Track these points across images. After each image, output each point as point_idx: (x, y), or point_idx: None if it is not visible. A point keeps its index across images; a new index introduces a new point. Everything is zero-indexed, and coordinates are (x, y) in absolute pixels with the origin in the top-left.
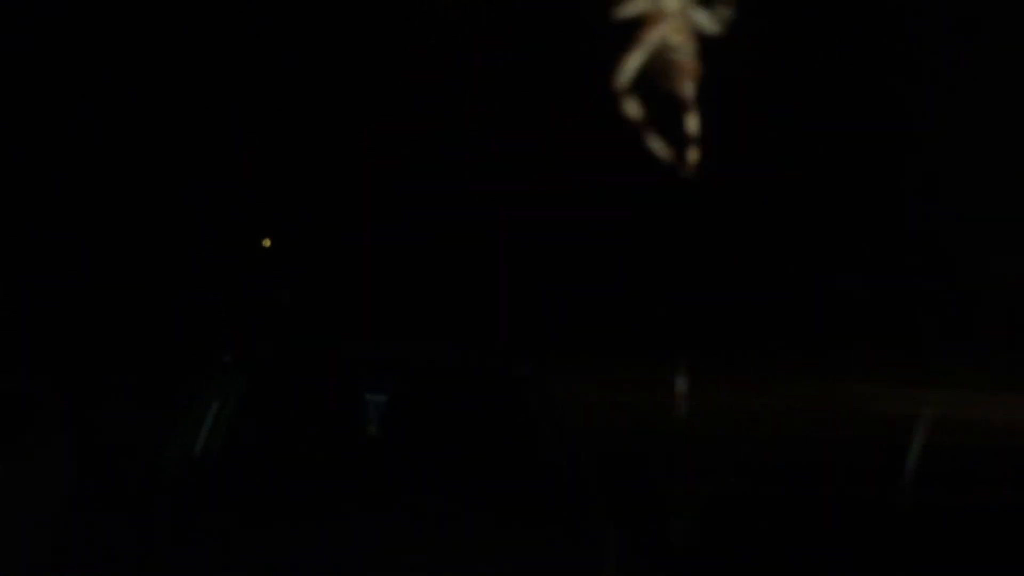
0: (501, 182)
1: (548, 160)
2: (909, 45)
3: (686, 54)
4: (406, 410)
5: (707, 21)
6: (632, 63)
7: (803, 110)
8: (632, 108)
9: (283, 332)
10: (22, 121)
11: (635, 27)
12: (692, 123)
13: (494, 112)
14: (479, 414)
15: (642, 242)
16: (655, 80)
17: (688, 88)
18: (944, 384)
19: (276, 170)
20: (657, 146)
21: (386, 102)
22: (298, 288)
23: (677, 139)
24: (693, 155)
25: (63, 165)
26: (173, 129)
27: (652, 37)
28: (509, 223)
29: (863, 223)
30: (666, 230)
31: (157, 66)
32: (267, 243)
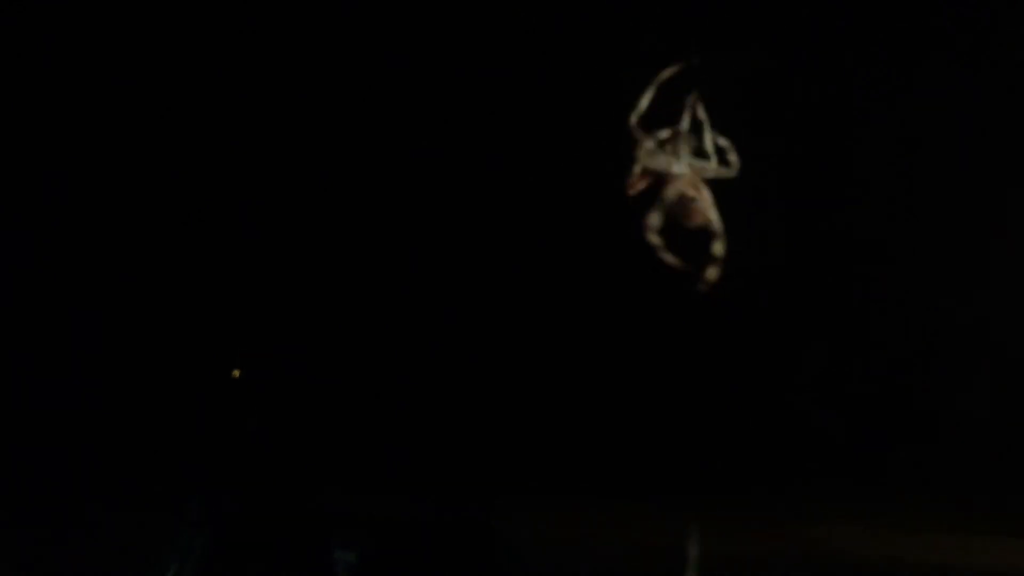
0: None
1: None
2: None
3: (702, 201)
4: (377, 569)
5: (718, 170)
6: (653, 220)
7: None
8: (655, 238)
9: (249, 471)
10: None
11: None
12: (719, 248)
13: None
14: (452, 570)
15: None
16: (678, 220)
17: (714, 220)
18: (916, 528)
19: (245, 300)
20: (676, 261)
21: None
22: (266, 416)
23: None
24: (713, 273)
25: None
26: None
27: (668, 195)
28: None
29: (828, 350)
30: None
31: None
32: (236, 374)
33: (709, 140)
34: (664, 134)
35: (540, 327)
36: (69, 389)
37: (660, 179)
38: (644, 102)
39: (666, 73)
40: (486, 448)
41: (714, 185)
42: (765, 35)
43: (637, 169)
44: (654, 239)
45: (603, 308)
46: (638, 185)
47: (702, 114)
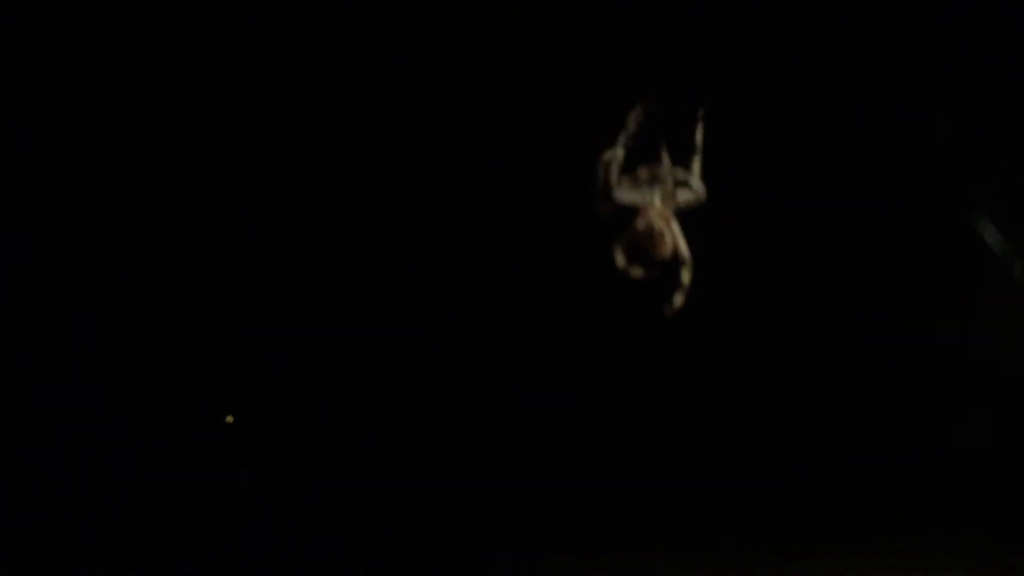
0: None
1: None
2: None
3: (671, 233)
4: None
5: (691, 196)
6: (621, 247)
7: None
8: (621, 260)
9: (238, 525)
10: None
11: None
12: (687, 276)
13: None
14: None
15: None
16: (647, 250)
17: (683, 251)
18: (911, 565)
19: (233, 346)
20: (643, 273)
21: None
22: (261, 467)
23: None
24: (679, 300)
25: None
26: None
27: (639, 225)
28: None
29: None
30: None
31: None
32: (230, 419)
33: (680, 173)
34: (641, 173)
35: (524, 372)
36: (57, 446)
37: (630, 210)
38: (619, 152)
39: (633, 118)
40: (474, 497)
41: (686, 213)
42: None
43: (608, 202)
44: (621, 261)
45: (588, 346)
46: (605, 210)
47: (666, 155)
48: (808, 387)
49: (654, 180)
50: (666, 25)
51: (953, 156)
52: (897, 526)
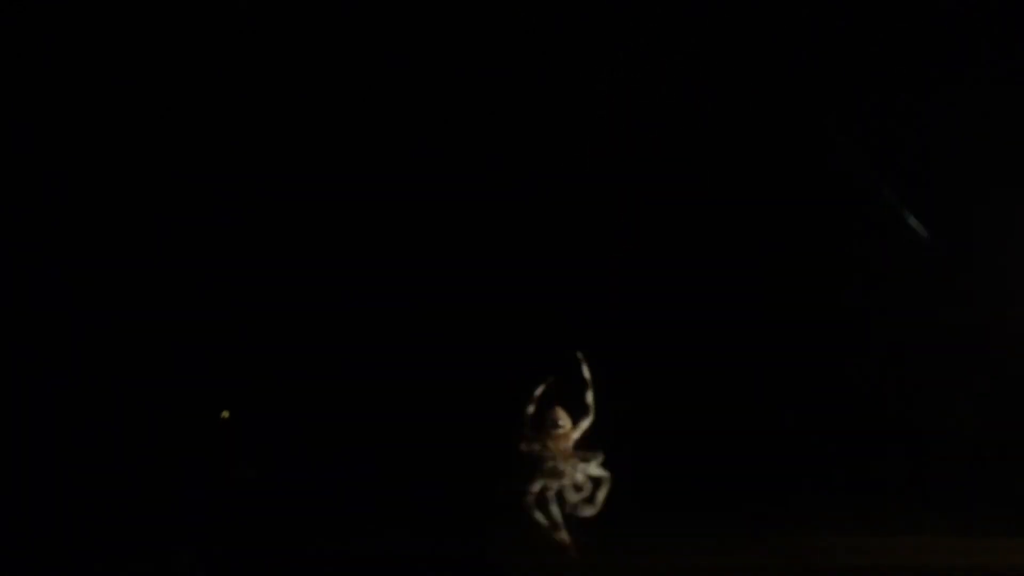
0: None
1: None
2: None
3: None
4: None
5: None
6: (533, 489)
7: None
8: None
9: (245, 518)
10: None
11: None
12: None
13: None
14: None
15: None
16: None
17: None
18: (908, 531)
19: (236, 341)
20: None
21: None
22: (262, 462)
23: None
24: (590, 512)
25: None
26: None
27: (546, 467)
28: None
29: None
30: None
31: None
32: (226, 415)
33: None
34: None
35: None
36: (59, 441)
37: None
38: (529, 412)
39: (539, 390)
40: (479, 483)
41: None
42: None
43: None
44: (530, 502)
45: (587, 335)
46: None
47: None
48: (803, 367)
49: (553, 426)
50: None
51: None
52: (890, 495)
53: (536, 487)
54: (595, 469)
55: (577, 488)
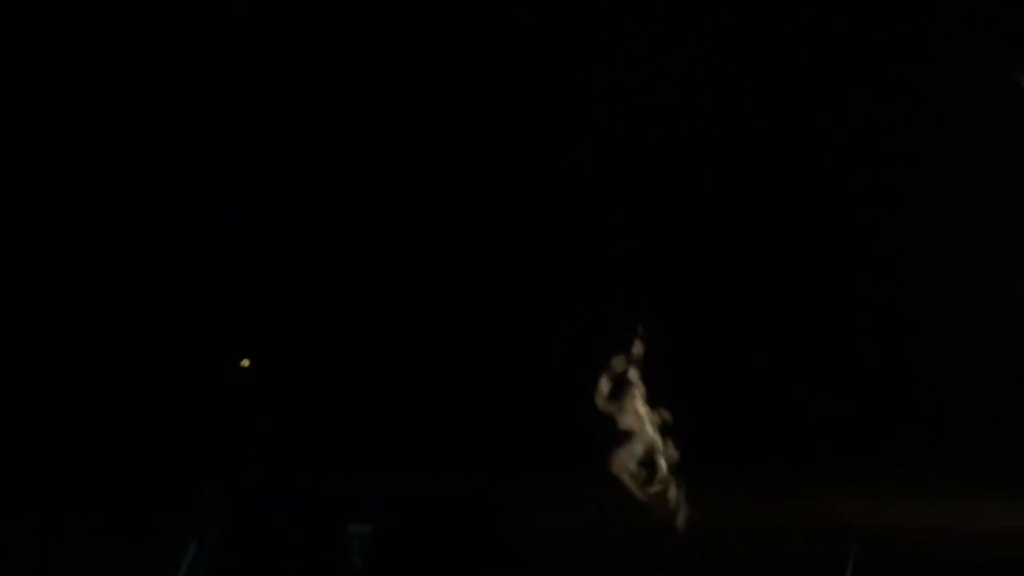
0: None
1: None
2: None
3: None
4: (390, 541)
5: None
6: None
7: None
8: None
9: (262, 461)
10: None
11: None
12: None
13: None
14: (464, 544)
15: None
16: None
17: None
18: (924, 495)
19: (251, 291)
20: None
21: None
22: (275, 413)
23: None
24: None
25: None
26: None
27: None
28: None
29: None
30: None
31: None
32: (246, 363)
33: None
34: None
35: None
36: (90, 382)
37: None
38: (604, 386)
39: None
40: (497, 435)
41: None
42: None
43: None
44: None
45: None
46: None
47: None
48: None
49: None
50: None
51: None
52: (902, 462)
53: (619, 446)
54: (655, 433)
55: (646, 446)
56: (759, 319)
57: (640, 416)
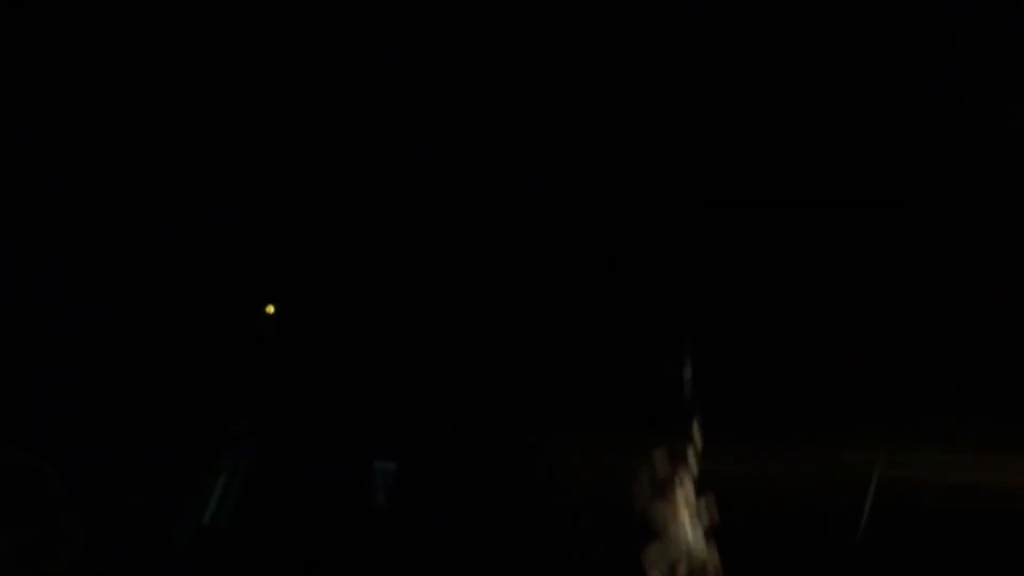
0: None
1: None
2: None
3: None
4: (415, 479)
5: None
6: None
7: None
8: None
9: (289, 398)
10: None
11: None
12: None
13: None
14: (487, 482)
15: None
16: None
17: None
18: (949, 448)
19: (277, 239)
20: None
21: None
22: (301, 354)
23: None
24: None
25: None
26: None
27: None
28: (507, 290)
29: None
30: (663, 295)
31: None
32: (271, 309)
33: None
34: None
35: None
36: (125, 324)
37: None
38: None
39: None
40: (521, 384)
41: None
42: None
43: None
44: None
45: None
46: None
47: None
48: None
49: None
50: None
51: None
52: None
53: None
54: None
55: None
56: (804, 285)
57: (681, 522)
